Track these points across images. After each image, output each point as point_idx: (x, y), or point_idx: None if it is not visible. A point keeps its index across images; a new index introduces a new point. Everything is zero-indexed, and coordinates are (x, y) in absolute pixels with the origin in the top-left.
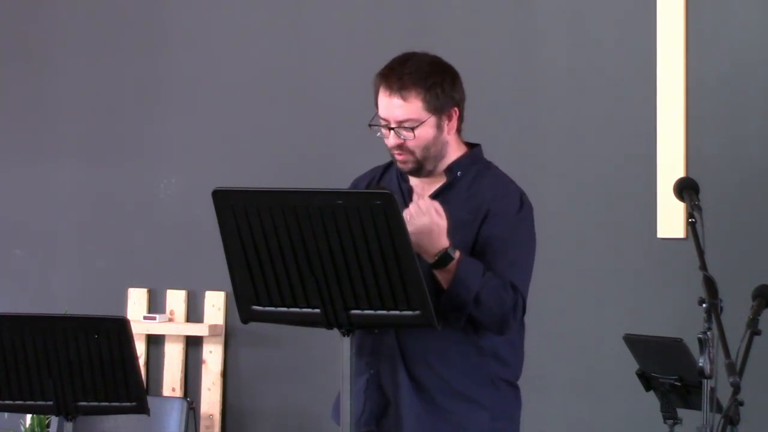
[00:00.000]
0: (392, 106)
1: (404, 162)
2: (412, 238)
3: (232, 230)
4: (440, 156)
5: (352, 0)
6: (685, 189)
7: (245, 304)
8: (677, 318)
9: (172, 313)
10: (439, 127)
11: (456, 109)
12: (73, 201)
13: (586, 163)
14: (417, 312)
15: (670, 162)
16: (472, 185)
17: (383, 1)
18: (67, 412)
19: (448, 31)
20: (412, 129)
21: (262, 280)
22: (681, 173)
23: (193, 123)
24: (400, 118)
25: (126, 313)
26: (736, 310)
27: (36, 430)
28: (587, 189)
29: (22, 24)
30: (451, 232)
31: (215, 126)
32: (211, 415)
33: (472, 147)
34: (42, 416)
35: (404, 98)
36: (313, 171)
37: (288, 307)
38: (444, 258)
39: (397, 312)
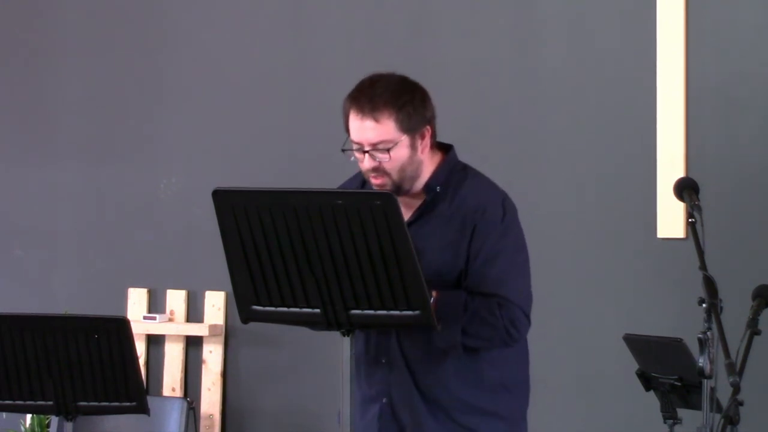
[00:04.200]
0: (365, 128)
1: (381, 185)
2: None
3: (232, 230)
4: (416, 176)
5: (352, 0)
6: (685, 189)
7: (245, 304)
8: (677, 318)
9: (172, 313)
10: (413, 147)
11: (428, 127)
12: (73, 201)
13: (586, 163)
14: (417, 312)
15: (670, 162)
16: (454, 198)
17: (383, 1)
18: (67, 412)
19: (448, 31)
20: (387, 150)
21: (262, 280)
22: (681, 173)
23: (192, 123)
24: (374, 140)
25: (126, 313)
26: (736, 310)
27: (36, 430)
28: (587, 189)
29: (22, 24)
30: (440, 252)
31: (215, 126)
32: (211, 415)
33: (445, 151)
34: (42, 416)
35: (377, 120)
36: (313, 171)
37: (288, 307)
38: None
39: (397, 312)
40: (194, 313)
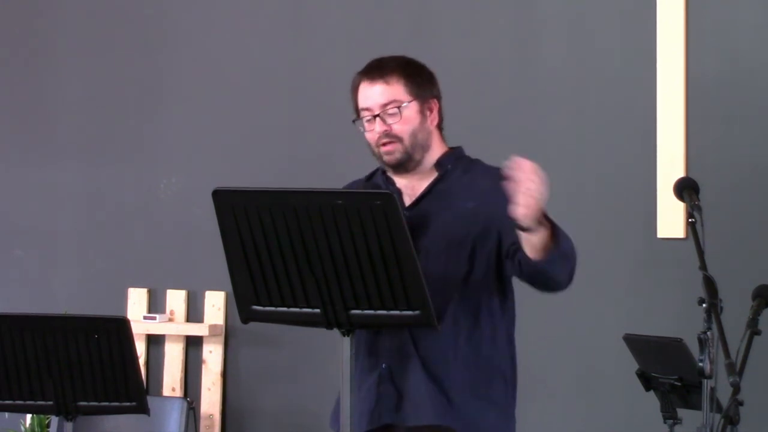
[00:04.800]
0: (375, 92)
1: (392, 152)
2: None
3: (232, 230)
4: (426, 146)
5: (352, 0)
6: (685, 189)
7: (245, 304)
8: (677, 318)
9: (172, 313)
10: (422, 114)
11: (436, 101)
12: (73, 201)
13: (586, 163)
14: (417, 312)
15: (670, 162)
16: (465, 175)
17: (383, 1)
18: (67, 412)
19: (448, 31)
20: (398, 109)
21: (262, 280)
22: (681, 173)
23: (193, 123)
24: (384, 101)
25: (126, 313)
26: (736, 310)
27: (36, 430)
28: (587, 189)
29: (22, 24)
30: (453, 222)
31: (215, 126)
32: (211, 415)
33: (454, 149)
34: (42, 416)
35: (387, 82)
36: (313, 171)
37: (288, 307)
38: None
39: (397, 312)
40: (194, 313)
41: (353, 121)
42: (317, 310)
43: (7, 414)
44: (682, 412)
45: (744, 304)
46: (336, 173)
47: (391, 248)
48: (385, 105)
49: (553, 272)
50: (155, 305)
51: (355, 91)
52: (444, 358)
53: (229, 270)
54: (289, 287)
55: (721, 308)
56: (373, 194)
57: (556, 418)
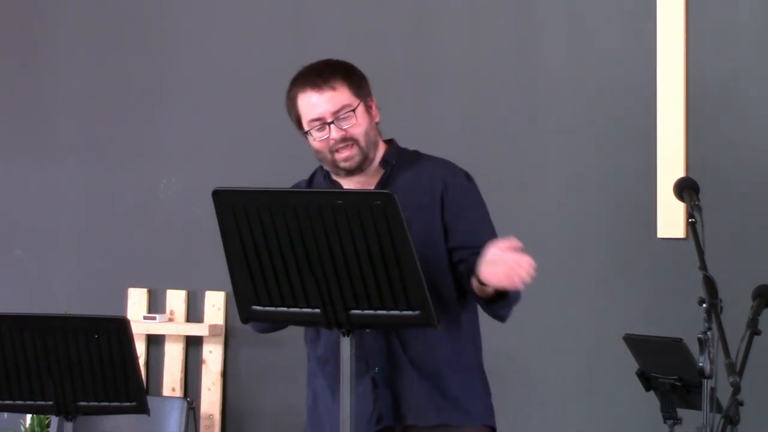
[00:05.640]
0: (324, 100)
1: (350, 158)
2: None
3: (232, 230)
4: (377, 144)
5: (352, 0)
6: (685, 189)
7: (245, 304)
8: (677, 318)
9: (172, 313)
10: (368, 113)
11: (372, 98)
12: (73, 201)
13: (586, 163)
14: (417, 312)
15: (670, 162)
16: (413, 169)
17: (383, 1)
18: (67, 412)
19: (448, 31)
20: (352, 111)
21: (262, 280)
22: (681, 173)
23: (193, 123)
24: (336, 107)
25: (126, 313)
26: (736, 310)
27: (36, 430)
28: (587, 189)
29: (22, 24)
30: (415, 219)
31: (215, 126)
32: (211, 415)
33: (391, 143)
34: (42, 416)
35: (333, 88)
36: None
37: (288, 307)
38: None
39: (397, 312)
40: (194, 313)
41: (304, 134)
42: (317, 310)
43: (6, 414)
44: (682, 412)
45: (744, 304)
46: None
47: (391, 248)
48: (337, 111)
49: (498, 313)
50: (155, 305)
51: (294, 102)
52: (432, 356)
53: (229, 270)
54: (289, 287)
55: (721, 308)
56: (373, 194)
57: (556, 418)
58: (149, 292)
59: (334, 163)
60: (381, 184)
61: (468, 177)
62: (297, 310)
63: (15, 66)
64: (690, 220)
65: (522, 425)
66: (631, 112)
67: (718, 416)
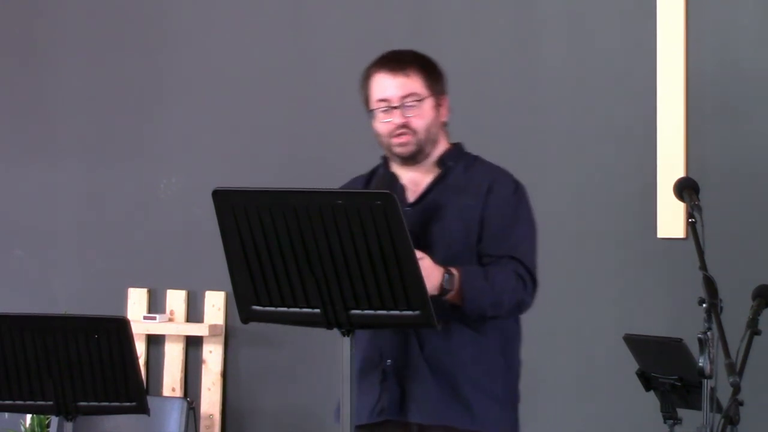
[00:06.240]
0: (395, 84)
1: (405, 144)
2: None
3: (232, 230)
4: (435, 141)
5: (352, 0)
6: (685, 189)
7: (245, 304)
8: (677, 318)
9: (172, 313)
10: (436, 109)
11: (446, 98)
12: (73, 201)
13: (586, 163)
14: (417, 312)
15: (670, 162)
16: (466, 173)
17: (383, 1)
18: (67, 412)
19: (448, 31)
20: (418, 101)
21: (262, 280)
22: (681, 173)
23: (193, 123)
24: (404, 93)
25: (126, 313)
26: (736, 310)
27: (36, 430)
28: (587, 189)
29: (22, 24)
30: (456, 220)
31: (215, 126)
32: (211, 415)
33: (456, 145)
34: (42, 416)
35: (407, 75)
36: (313, 171)
37: (288, 307)
38: (444, 291)
39: (397, 312)
40: (194, 313)
41: (369, 111)
42: (317, 310)
43: (7, 414)
44: (682, 412)
45: (744, 304)
46: (336, 173)
47: (391, 248)
48: (405, 97)
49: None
50: (155, 305)
51: (368, 81)
52: (450, 356)
53: (229, 270)
54: (289, 287)
55: (721, 308)
56: (373, 194)
57: (556, 418)
58: (149, 292)
59: (390, 148)
60: (434, 182)
61: (516, 188)
62: (297, 310)
63: (15, 66)
64: (690, 220)
65: (522, 425)
66: (631, 112)
67: (718, 416)
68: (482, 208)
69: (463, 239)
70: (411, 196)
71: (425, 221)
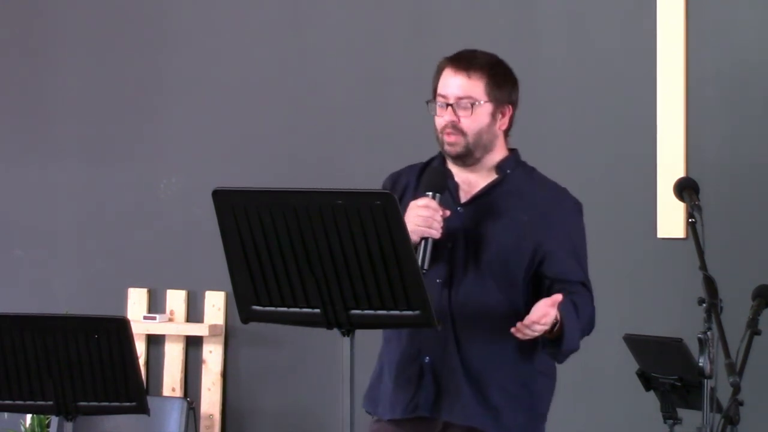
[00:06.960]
0: (455, 83)
1: (453, 144)
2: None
3: (232, 230)
4: (489, 148)
5: (352, 0)
6: (685, 189)
7: (245, 304)
8: (677, 318)
9: (172, 313)
10: (493, 117)
11: (510, 107)
12: (73, 201)
13: (586, 163)
14: (417, 312)
15: (670, 162)
16: (524, 184)
17: (383, 1)
18: (67, 412)
19: (448, 31)
20: (471, 106)
21: (262, 280)
22: (681, 173)
23: (193, 123)
24: (461, 94)
25: (126, 313)
26: (736, 310)
27: (36, 430)
28: (587, 189)
29: (22, 24)
30: (506, 233)
31: (215, 126)
32: (211, 415)
33: (513, 152)
34: (42, 416)
35: (469, 76)
36: (313, 171)
37: (288, 307)
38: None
39: (397, 312)
40: (194, 313)
41: (427, 102)
42: (317, 310)
43: (6, 414)
44: (682, 412)
45: (744, 304)
46: (337, 173)
47: (391, 248)
48: (461, 98)
49: (551, 353)
50: (155, 305)
51: (438, 73)
52: (485, 363)
53: (229, 270)
54: (289, 287)
55: (721, 308)
56: (373, 194)
57: (556, 418)
58: (149, 292)
59: (441, 144)
60: (491, 185)
61: (577, 208)
62: (297, 310)
63: (15, 66)
64: (690, 220)
65: None
66: (631, 112)
67: (718, 416)
68: (544, 228)
69: (513, 249)
70: (463, 196)
71: (476, 223)
